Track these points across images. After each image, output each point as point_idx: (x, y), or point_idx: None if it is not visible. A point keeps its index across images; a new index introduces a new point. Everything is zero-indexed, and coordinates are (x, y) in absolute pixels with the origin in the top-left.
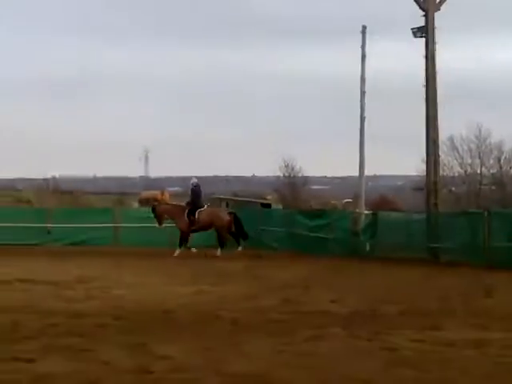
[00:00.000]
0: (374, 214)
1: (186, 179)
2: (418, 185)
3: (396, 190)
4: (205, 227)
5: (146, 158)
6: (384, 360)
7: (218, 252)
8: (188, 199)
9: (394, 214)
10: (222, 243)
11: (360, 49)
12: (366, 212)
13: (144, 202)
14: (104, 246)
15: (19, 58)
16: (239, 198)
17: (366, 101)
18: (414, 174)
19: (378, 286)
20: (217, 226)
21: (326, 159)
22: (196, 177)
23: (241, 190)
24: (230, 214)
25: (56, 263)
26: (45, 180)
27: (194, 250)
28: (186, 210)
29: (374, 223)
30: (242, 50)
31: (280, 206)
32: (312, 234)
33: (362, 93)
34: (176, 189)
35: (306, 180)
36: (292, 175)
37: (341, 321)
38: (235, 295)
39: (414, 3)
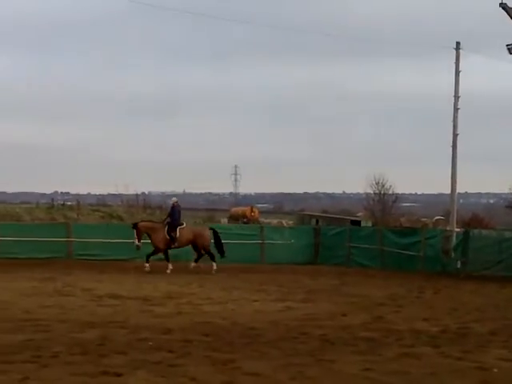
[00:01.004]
0: (466, 232)
1: (274, 196)
2: (510, 202)
3: (488, 207)
4: (186, 244)
5: (236, 174)
6: (475, 379)
7: (215, 266)
8: (167, 217)
9: (485, 232)
10: (212, 256)
11: (454, 65)
12: (458, 230)
13: (234, 217)
14: (192, 261)
15: (112, 79)
16: (329, 215)
17: (458, 118)
18: (507, 191)
19: (469, 305)
20: (202, 243)
21: (417, 176)
22: (285, 194)
23: (331, 206)
24: (210, 229)
25: (145, 279)
26: (135, 196)
27: (147, 267)
28: (166, 228)
29: (465, 241)
30: (329, 69)
31: (370, 224)
32: (402, 252)
33: (456, 109)
34: (265, 205)
35: (397, 197)
36: (382, 192)
37: (431, 339)
38: (324, 312)
39: (510, 19)
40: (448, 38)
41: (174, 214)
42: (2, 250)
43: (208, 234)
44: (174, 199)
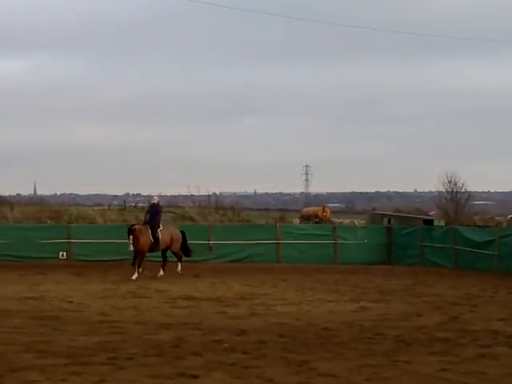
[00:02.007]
0: None
1: (346, 195)
2: None
3: None
4: (165, 246)
5: (307, 174)
6: None
7: (180, 267)
8: (146, 218)
9: None
10: (180, 257)
11: None
12: None
13: (305, 218)
14: (266, 262)
15: (180, 79)
16: (401, 214)
17: None
18: None
19: None
20: (176, 246)
21: (490, 174)
22: (357, 193)
23: (402, 205)
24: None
25: (219, 280)
26: (207, 197)
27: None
28: (149, 231)
29: None
30: (404, 67)
31: (443, 223)
32: (476, 251)
33: None
34: (336, 204)
35: (470, 195)
36: (455, 191)
37: (508, 339)
38: (398, 313)
39: None
40: None
41: (155, 215)
42: (75, 252)
43: (179, 233)
44: (156, 199)
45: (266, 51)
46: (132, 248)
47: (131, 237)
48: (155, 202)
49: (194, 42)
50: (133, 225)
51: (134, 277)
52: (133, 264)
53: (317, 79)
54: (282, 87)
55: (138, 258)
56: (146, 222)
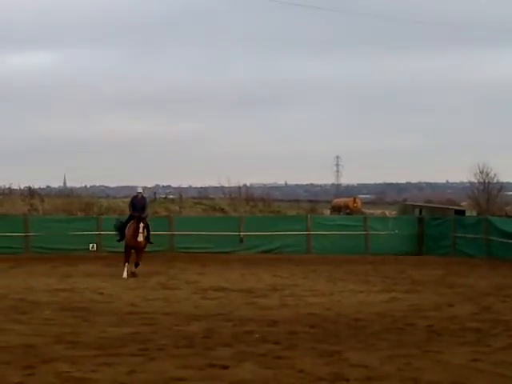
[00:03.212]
0: None
1: (377, 186)
2: None
3: None
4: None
5: (338, 165)
6: None
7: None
8: (137, 211)
9: None
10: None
11: None
12: None
13: (336, 209)
14: (296, 253)
15: (213, 71)
16: (432, 205)
17: None
18: None
19: None
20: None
21: None
22: (387, 184)
23: (433, 196)
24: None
25: (249, 271)
26: (237, 188)
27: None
28: (142, 225)
29: None
30: (433, 58)
31: (474, 213)
32: (509, 241)
33: None
34: (367, 195)
35: (502, 186)
36: (487, 181)
37: None
38: (430, 303)
39: None
40: None
41: (142, 209)
42: (105, 243)
43: None
44: (139, 189)
45: (291, 42)
46: (141, 238)
47: (141, 225)
48: (140, 191)
49: (225, 33)
50: (139, 215)
51: (125, 275)
52: (127, 261)
53: (345, 70)
54: (310, 78)
55: (139, 253)
56: (137, 216)
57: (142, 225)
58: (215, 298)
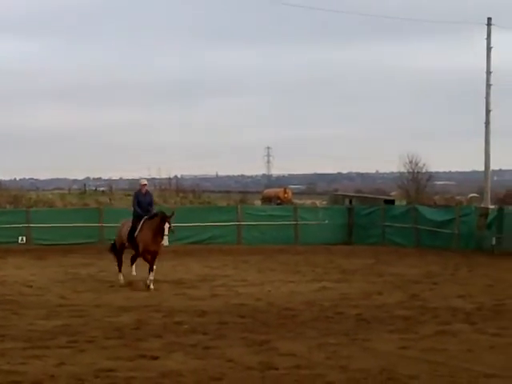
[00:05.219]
0: (500, 209)
1: (307, 177)
2: None
3: None
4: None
5: (268, 156)
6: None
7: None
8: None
9: None
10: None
11: (485, 41)
12: (492, 207)
13: (267, 199)
14: (227, 244)
15: (142, 63)
16: (362, 195)
17: (492, 94)
18: None
19: (504, 281)
20: None
21: (451, 154)
22: (318, 174)
23: (364, 186)
24: None
25: (179, 262)
26: (168, 179)
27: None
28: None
29: (499, 218)
30: (362, 47)
31: (404, 203)
32: (437, 230)
33: (488, 86)
34: (298, 186)
35: (430, 176)
36: (416, 171)
37: (467, 316)
38: (359, 292)
39: None
40: (481, 13)
41: (149, 205)
42: (35, 235)
43: None
44: (144, 181)
45: (220, 32)
46: (167, 242)
47: (167, 226)
48: (145, 183)
49: (155, 25)
50: (162, 212)
51: (133, 273)
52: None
53: (275, 61)
54: (242, 68)
55: (155, 259)
56: (161, 215)
57: (167, 226)
58: (145, 290)
